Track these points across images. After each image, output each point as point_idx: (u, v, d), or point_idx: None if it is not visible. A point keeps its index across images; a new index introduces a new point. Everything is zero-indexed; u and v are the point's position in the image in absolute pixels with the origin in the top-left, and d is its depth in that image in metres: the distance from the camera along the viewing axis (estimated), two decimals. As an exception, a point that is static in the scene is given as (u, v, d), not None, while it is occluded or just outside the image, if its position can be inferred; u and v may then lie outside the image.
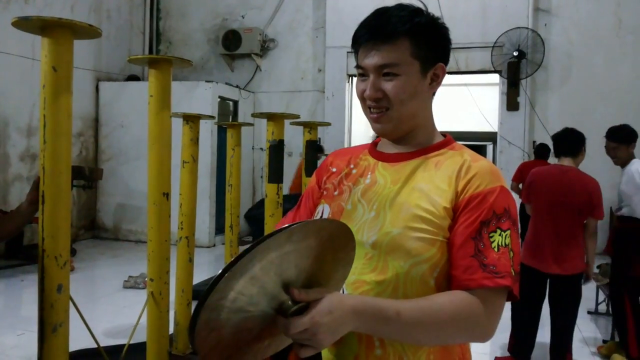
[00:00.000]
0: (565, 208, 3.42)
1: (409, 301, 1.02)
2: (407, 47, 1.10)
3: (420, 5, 1.17)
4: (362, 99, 1.16)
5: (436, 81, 1.17)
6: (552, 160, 4.27)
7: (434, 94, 1.21)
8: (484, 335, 1.05)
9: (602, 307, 5.08)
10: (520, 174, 6.38)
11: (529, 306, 3.64)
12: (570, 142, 3.51)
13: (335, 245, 0.98)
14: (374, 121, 1.16)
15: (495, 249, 1.05)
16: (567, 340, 3.57)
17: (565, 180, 3.44)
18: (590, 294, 5.21)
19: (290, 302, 0.92)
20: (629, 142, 3.82)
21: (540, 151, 6.82)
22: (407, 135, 1.18)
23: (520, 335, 3.72)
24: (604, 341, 4.33)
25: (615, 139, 3.86)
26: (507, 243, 1.06)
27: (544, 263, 3.46)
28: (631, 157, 3.84)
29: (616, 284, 4.01)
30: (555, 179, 3.47)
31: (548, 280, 3.54)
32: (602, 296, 5.04)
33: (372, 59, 1.11)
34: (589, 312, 5.13)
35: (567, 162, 3.51)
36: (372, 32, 1.12)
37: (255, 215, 8.27)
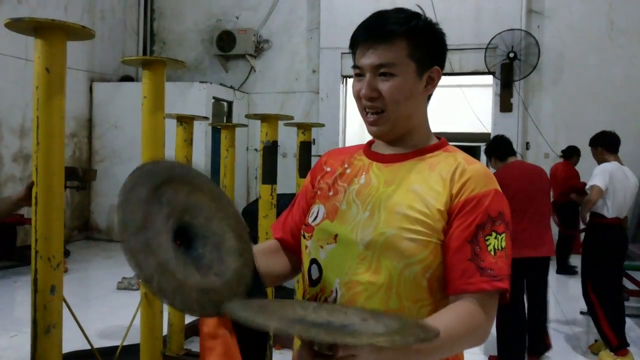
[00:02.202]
0: (539, 194, 3.76)
1: None
2: (403, 48, 1.12)
3: (418, 10, 1.19)
4: (358, 98, 1.17)
5: (431, 84, 1.18)
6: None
7: (429, 97, 1.22)
8: (484, 338, 1.08)
9: (595, 307, 5.10)
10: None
11: (515, 298, 3.74)
12: (509, 144, 3.94)
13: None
14: (370, 124, 1.17)
15: (492, 253, 1.06)
16: (545, 320, 3.89)
17: (529, 170, 3.86)
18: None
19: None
20: (593, 145, 4.27)
21: (568, 153, 6.84)
22: (402, 136, 1.19)
23: (511, 333, 3.79)
24: (596, 340, 4.35)
25: (589, 142, 4.37)
26: (503, 246, 1.08)
27: (524, 249, 3.60)
28: (604, 160, 4.14)
29: (583, 279, 4.21)
30: (522, 172, 3.82)
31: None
32: (594, 296, 5.06)
33: (368, 59, 1.13)
34: (581, 313, 5.15)
35: (514, 159, 3.90)
36: (370, 32, 1.13)
37: (254, 210, 8.24)
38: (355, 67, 1.17)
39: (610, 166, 4.01)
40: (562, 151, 6.91)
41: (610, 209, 3.96)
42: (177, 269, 0.95)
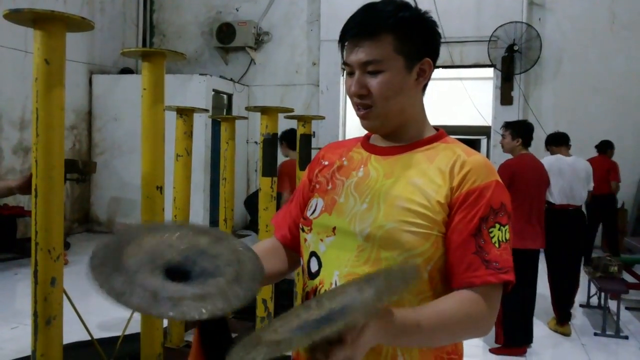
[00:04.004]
0: (540, 191, 4.03)
1: (424, 309, 1.02)
2: (389, 43, 1.10)
3: (409, 0, 1.17)
4: (350, 95, 1.17)
5: (423, 76, 1.16)
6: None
7: (424, 88, 1.20)
8: (487, 330, 1.08)
9: (594, 301, 5.13)
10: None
11: (521, 288, 3.89)
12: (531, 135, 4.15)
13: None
14: (361, 118, 1.17)
15: (496, 245, 1.06)
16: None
17: (537, 167, 4.05)
18: (582, 287, 5.26)
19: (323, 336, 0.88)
20: (546, 145, 5.10)
21: (603, 147, 6.89)
22: (397, 129, 1.18)
23: (515, 322, 3.89)
24: (595, 334, 4.39)
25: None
26: (507, 238, 1.08)
27: (528, 241, 3.89)
28: (554, 153, 4.86)
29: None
30: (532, 167, 4.00)
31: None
32: (593, 289, 5.08)
33: (356, 56, 1.12)
34: (581, 306, 5.17)
35: (526, 151, 4.08)
36: (356, 28, 1.12)
37: (255, 202, 8.25)
38: (344, 64, 1.16)
39: (550, 159, 4.67)
40: (596, 146, 6.93)
41: (557, 196, 4.54)
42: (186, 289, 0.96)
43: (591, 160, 6.72)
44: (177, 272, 1.01)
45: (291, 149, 4.60)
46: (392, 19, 1.10)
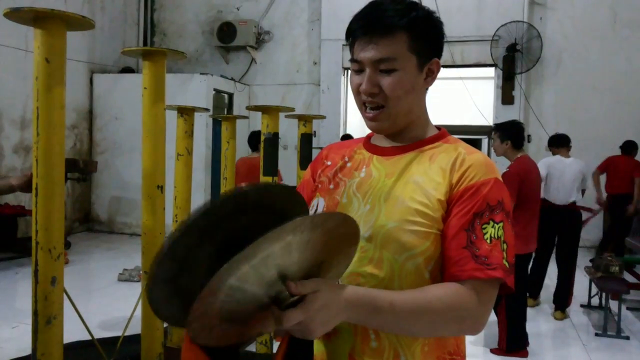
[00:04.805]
0: (538, 193, 4.05)
1: (401, 292, 1.03)
2: (404, 41, 1.09)
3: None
4: (358, 93, 1.15)
5: (431, 76, 1.16)
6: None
7: (427, 88, 1.20)
8: (475, 327, 1.06)
9: (595, 301, 5.12)
10: (606, 166, 6.83)
11: (523, 290, 4.03)
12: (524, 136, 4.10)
13: (339, 240, 0.97)
14: (369, 119, 1.15)
15: (488, 241, 1.05)
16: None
17: (535, 170, 4.03)
18: (583, 289, 5.26)
19: (286, 293, 0.92)
20: (549, 146, 5.47)
21: (628, 148, 6.90)
22: (402, 130, 1.17)
23: (517, 325, 3.89)
24: (596, 334, 4.38)
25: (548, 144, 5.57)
26: (499, 235, 1.06)
27: (531, 244, 3.92)
28: (556, 154, 5.20)
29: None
30: (533, 169, 3.99)
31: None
32: (594, 290, 5.07)
33: (369, 53, 1.10)
34: (582, 306, 5.17)
35: (521, 153, 4.03)
36: (368, 25, 1.10)
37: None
38: (353, 61, 1.14)
39: (550, 159, 5.11)
40: (621, 146, 6.93)
41: (554, 195, 4.91)
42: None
43: (614, 160, 6.79)
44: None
45: (253, 149, 5.41)
46: (406, 17, 1.09)
